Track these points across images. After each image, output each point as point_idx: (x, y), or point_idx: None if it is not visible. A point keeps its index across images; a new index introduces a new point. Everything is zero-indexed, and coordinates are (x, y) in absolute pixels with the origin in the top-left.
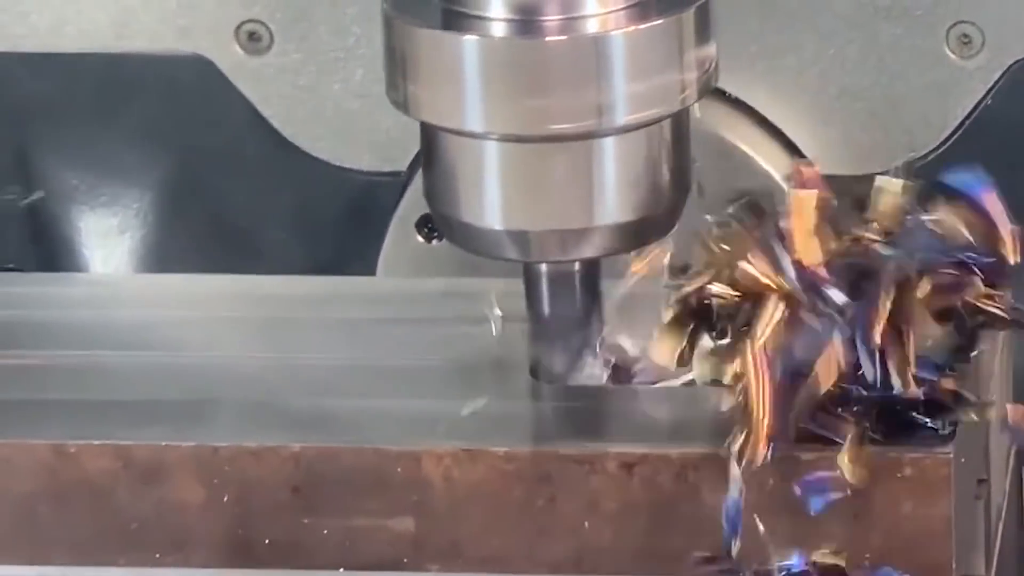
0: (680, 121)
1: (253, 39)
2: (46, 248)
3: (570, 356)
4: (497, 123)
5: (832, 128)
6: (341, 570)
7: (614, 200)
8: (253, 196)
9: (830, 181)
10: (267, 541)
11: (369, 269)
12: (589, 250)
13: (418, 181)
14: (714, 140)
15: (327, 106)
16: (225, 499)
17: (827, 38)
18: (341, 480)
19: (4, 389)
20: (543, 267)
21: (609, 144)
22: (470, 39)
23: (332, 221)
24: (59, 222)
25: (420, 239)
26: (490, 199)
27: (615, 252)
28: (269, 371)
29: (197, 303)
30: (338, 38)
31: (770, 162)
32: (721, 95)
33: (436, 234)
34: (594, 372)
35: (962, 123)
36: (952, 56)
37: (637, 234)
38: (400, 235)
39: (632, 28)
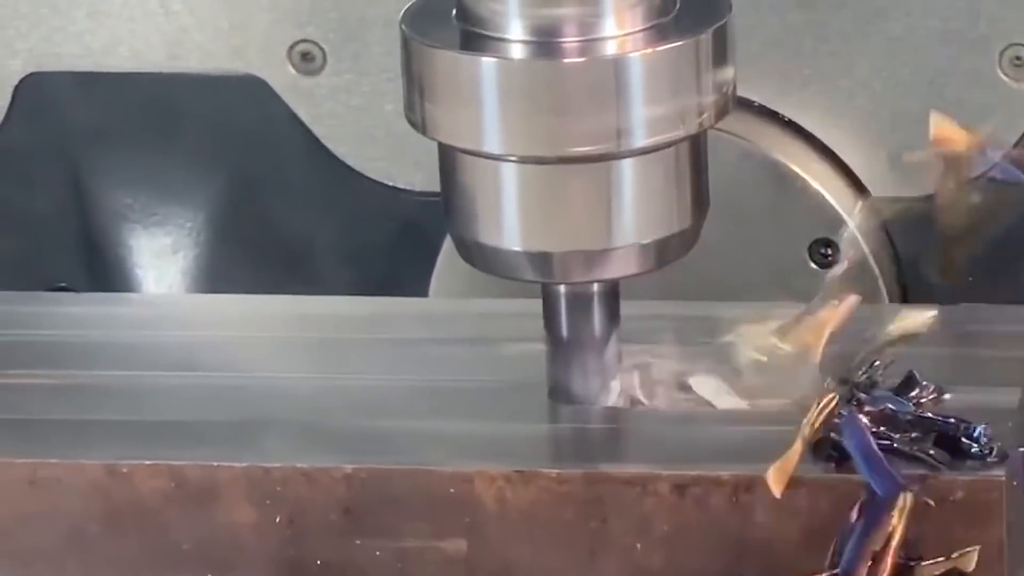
0: (698, 142)
1: (306, 59)
2: (99, 268)
3: (588, 378)
4: (515, 144)
5: (885, 150)
6: None
7: (632, 221)
8: (305, 216)
9: (884, 202)
10: (318, 562)
11: (421, 289)
12: (608, 271)
13: None
14: (768, 162)
15: (379, 126)
16: (277, 520)
17: (880, 60)
18: (393, 501)
19: (57, 409)
20: (561, 288)
21: (627, 166)
22: (489, 60)
23: (384, 241)
24: (112, 242)
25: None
26: (508, 220)
27: (633, 273)
28: (321, 392)
29: (249, 323)
30: (390, 59)
31: (823, 184)
32: (774, 117)
33: None
34: (611, 395)
35: (1015, 145)
36: (1005, 78)
37: (656, 255)
38: (452, 255)
39: (650, 50)
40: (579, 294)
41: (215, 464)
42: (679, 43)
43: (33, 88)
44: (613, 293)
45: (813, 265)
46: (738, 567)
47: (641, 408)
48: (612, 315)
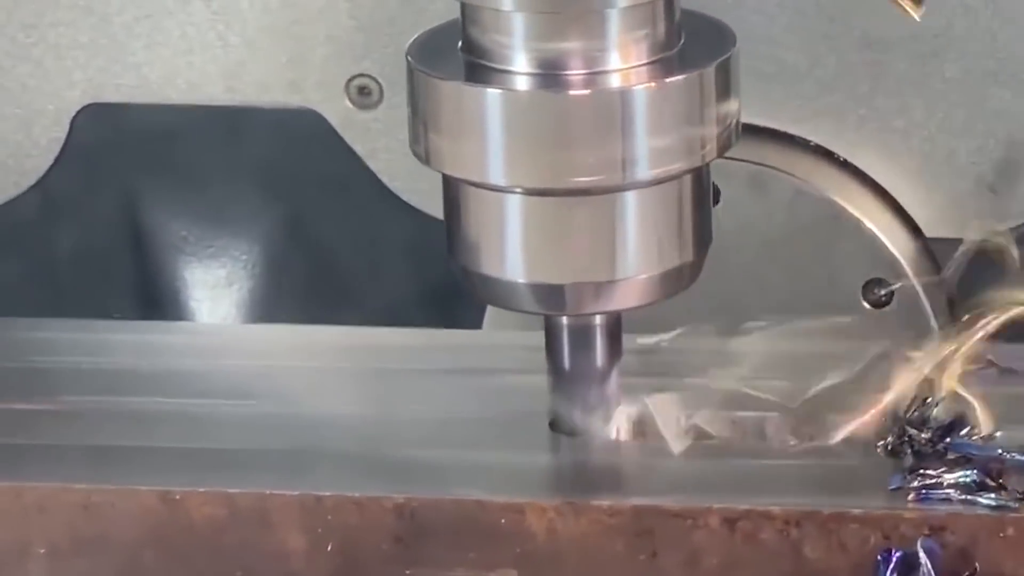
0: (701, 175)
1: (363, 93)
2: (154, 300)
3: (589, 409)
4: (519, 176)
5: (939, 192)
6: None
7: (636, 254)
8: (359, 249)
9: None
10: None
11: (475, 322)
12: (611, 303)
13: None
14: (823, 201)
15: None
16: (328, 548)
17: (935, 102)
18: (444, 531)
19: (112, 435)
20: (564, 320)
21: (632, 198)
22: (494, 92)
23: (438, 274)
24: (167, 274)
25: None
26: (511, 252)
27: (636, 305)
28: (374, 422)
29: (303, 353)
30: None
31: (877, 224)
32: (830, 157)
33: None
34: (613, 426)
35: None
36: None
37: (659, 287)
38: None
39: (655, 83)
40: (582, 326)
41: (268, 492)
42: (683, 76)
43: (90, 119)
44: (616, 325)
45: (866, 305)
46: None
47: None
48: (614, 347)
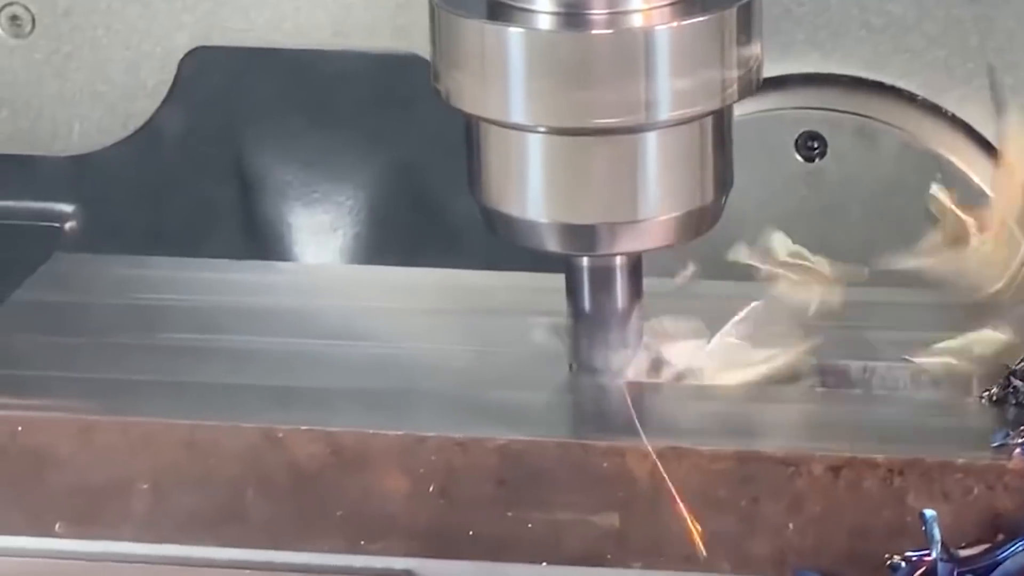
0: (723, 118)
1: None
2: (258, 244)
3: (609, 351)
4: (541, 115)
5: None
6: (544, 564)
7: (657, 195)
8: (462, 196)
9: None
10: (470, 533)
11: None
12: (631, 244)
13: None
14: (929, 156)
15: None
16: (430, 489)
17: None
18: (546, 474)
19: (216, 373)
20: (585, 260)
21: (653, 139)
22: (516, 31)
23: None
24: (271, 219)
25: None
26: (533, 192)
27: (657, 247)
28: (476, 363)
29: (406, 294)
30: None
31: (985, 180)
32: (937, 111)
33: None
34: (636, 368)
35: None
36: None
37: (679, 229)
38: None
39: (676, 24)
40: (603, 267)
41: (370, 432)
42: (706, 17)
43: (197, 62)
44: (637, 266)
45: None
46: (889, 550)
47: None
48: (635, 288)
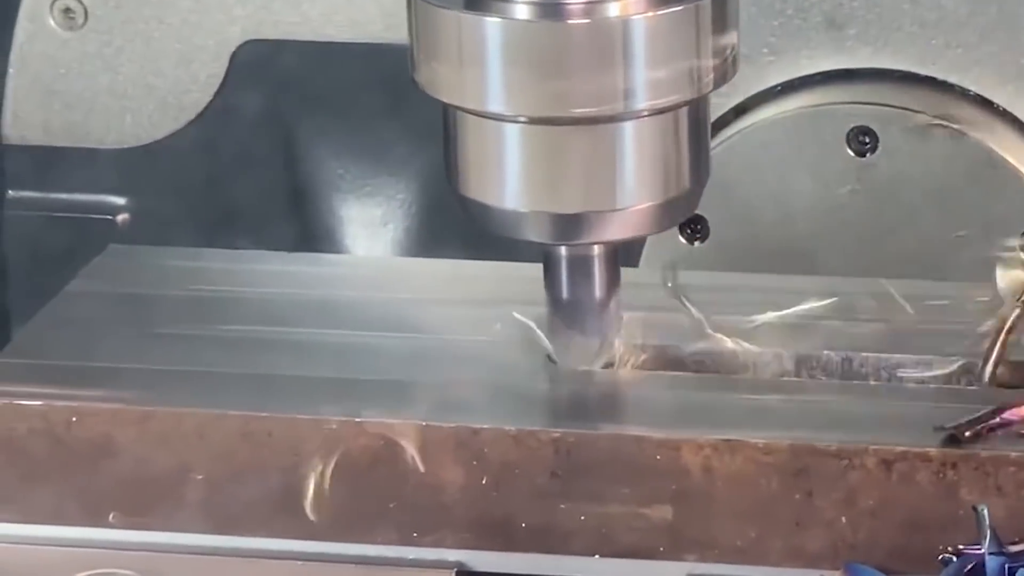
0: (699, 107)
1: None
2: (309, 237)
3: (587, 340)
4: (518, 105)
5: None
6: (596, 556)
7: (634, 184)
8: None
9: None
10: (523, 524)
11: (631, 260)
12: (609, 233)
13: None
14: (981, 150)
15: None
16: (483, 481)
17: None
18: (600, 466)
19: (267, 364)
20: (563, 250)
21: (629, 128)
22: (493, 21)
23: None
24: (323, 211)
25: (682, 240)
26: (511, 181)
27: (634, 236)
28: (530, 356)
29: (459, 287)
30: None
31: None
32: (989, 106)
33: (699, 235)
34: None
35: None
36: None
37: (656, 218)
38: (662, 236)
39: (653, 13)
40: (581, 256)
41: (424, 424)
42: (682, 7)
43: (250, 55)
44: (614, 255)
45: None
46: (941, 543)
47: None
48: (613, 277)
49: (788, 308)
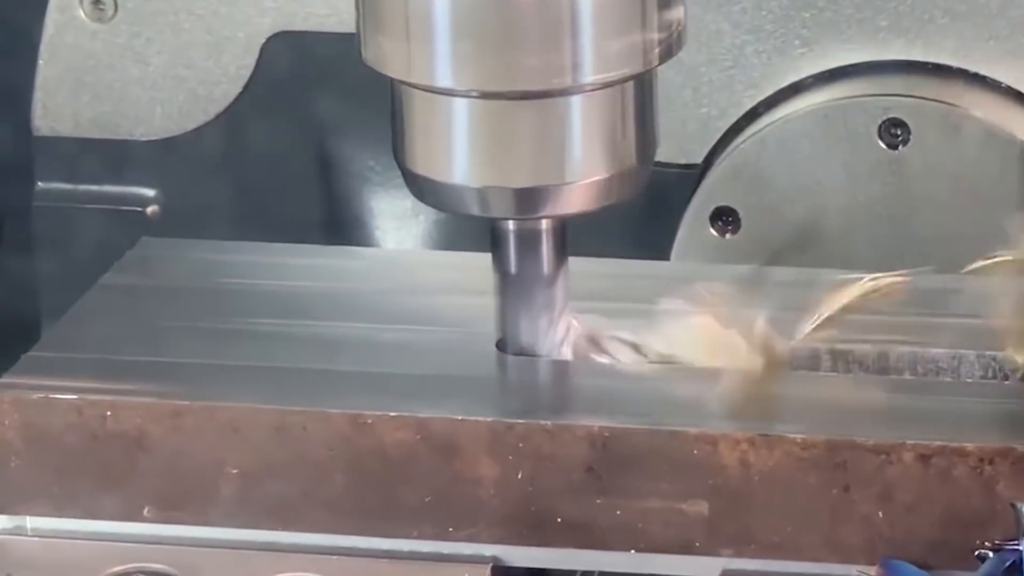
0: (646, 83)
1: None
2: (339, 229)
3: (536, 316)
4: (465, 80)
5: None
6: (632, 552)
7: (582, 158)
8: None
9: None
10: (558, 519)
11: (664, 253)
12: (557, 208)
13: (713, 174)
14: (1014, 143)
15: None
16: (518, 475)
17: None
18: (636, 461)
19: (301, 358)
20: (511, 224)
21: (577, 103)
22: None
23: (625, 211)
24: (353, 203)
25: (713, 232)
26: (459, 156)
27: (582, 210)
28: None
29: (489, 280)
30: None
31: None
32: (1021, 99)
33: (730, 227)
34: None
35: None
36: None
37: (603, 192)
38: (694, 227)
39: None
40: (528, 230)
41: (459, 418)
42: None
43: (280, 47)
44: (562, 230)
45: None
46: (979, 539)
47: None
48: (561, 252)
49: (820, 301)
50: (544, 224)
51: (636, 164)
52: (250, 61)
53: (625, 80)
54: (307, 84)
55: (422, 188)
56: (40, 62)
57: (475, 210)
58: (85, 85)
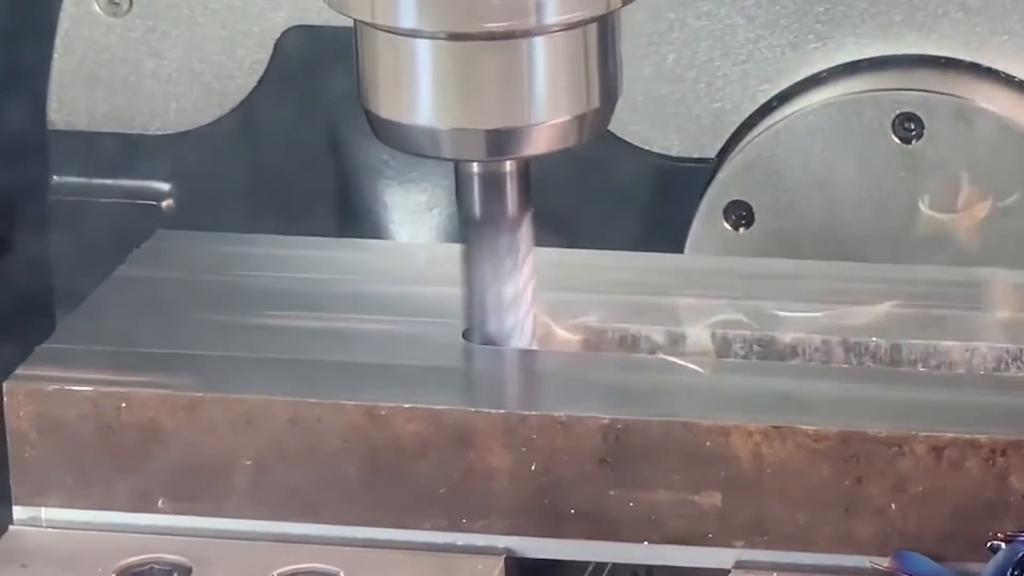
0: (609, 25)
1: None
2: (353, 223)
3: (501, 260)
4: (429, 21)
5: None
6: (645, 543)
7: (545, 100)
8: (562, 177)
9: None
10: (572, 511)
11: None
12: (521, 149)
13: (727, 168)
14: None
15: (637, 90)
16: (532, 467)
17: None
18: (649, 453)
19: (314, 351)
20: (475, 167)
21: (540, 44)
22: None
23: (638, 205)
24: (367, 198)
25: (727, 226)
26: (423, 98)
27: (545, 153)
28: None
29: None
30: (652, 22)
31: None
32: None
33: (744, 222)
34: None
35: None
36: None
37: (566, 134)
38: (707, 222)
39: None
40: (492, 173)
41: (472, 410)
42: None
43: (294, 41)
44: (525, 173)
45: None
46: (991, 530)
47: None
48: (525, 196)
49: (834, 295)
50: (509, 166)
51: (600, 106)
52: (264, 55)
53: (589, 22)
54: (322, 78)
55: (387, 131)
56: (55, 56)
57: (441, 152)
58: (100, 79)
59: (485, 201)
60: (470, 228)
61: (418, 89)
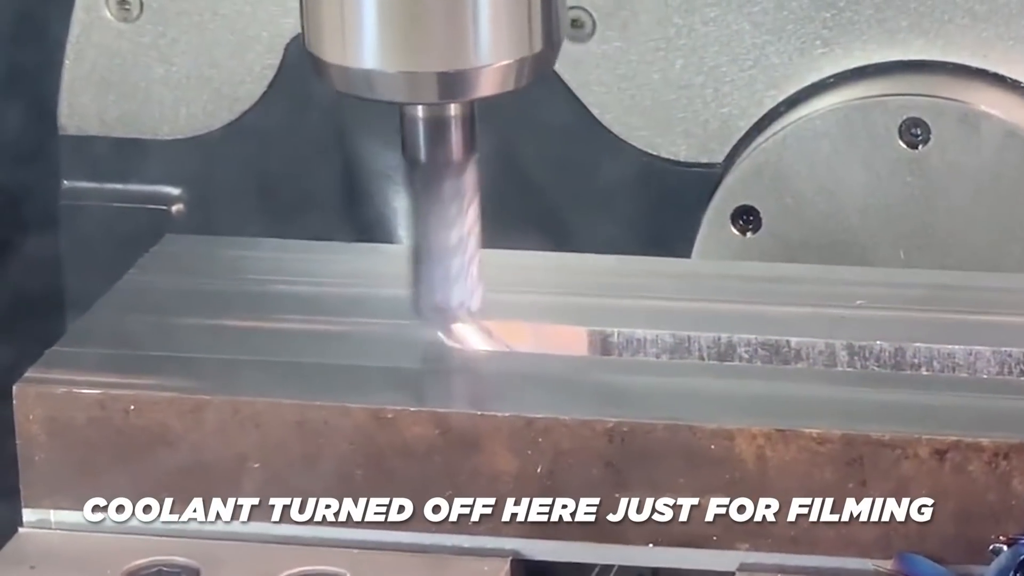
0: None
1: (575, 26)
2: (361, 228)
3: (446, 205)
4: None
5: None
6: (650, 546)
7: (488, 42)
8: (569, 181)
9: None
10: (577, 514)
11: (685, 251)
12: (465, 92)
13: (734, 173)
14: None
15: (645, 95)
16: (538, 470)
17: None
18: (654, 456)
19: (322, 354)
20: (420, 110)
21: None
22: None
23: (646, 210)
24: (375, 203)
25: (735, 231)
26: (368, 41)
27: (490, 95)
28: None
29: (512, 278)
30: (659, 28)
31: None
32: None
33: (751, 227)
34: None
35: None
36: None
37: (509, 77)
38: (714, 226)
39: None
40: (437, 116)
41: (479, 413)
42: None
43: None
44: (470, 116)
45: None
46: (993, 533)
47: None
48: (470, 140)
49: (839, 298)
50: (454, 110)
51: (544, 49)
52: (274, 60)
53: None
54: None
55: (334, 76)
56: (66, 62)
57: (384, 95)
58: (111, 84)
59: (430, 146)
60: (415, 173)
61: (361, 32)
